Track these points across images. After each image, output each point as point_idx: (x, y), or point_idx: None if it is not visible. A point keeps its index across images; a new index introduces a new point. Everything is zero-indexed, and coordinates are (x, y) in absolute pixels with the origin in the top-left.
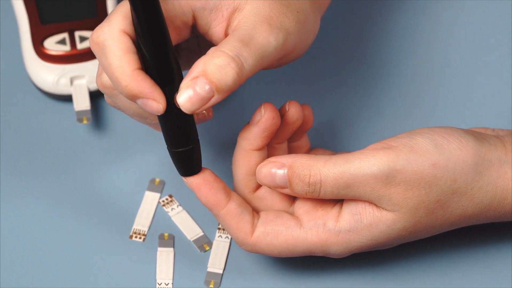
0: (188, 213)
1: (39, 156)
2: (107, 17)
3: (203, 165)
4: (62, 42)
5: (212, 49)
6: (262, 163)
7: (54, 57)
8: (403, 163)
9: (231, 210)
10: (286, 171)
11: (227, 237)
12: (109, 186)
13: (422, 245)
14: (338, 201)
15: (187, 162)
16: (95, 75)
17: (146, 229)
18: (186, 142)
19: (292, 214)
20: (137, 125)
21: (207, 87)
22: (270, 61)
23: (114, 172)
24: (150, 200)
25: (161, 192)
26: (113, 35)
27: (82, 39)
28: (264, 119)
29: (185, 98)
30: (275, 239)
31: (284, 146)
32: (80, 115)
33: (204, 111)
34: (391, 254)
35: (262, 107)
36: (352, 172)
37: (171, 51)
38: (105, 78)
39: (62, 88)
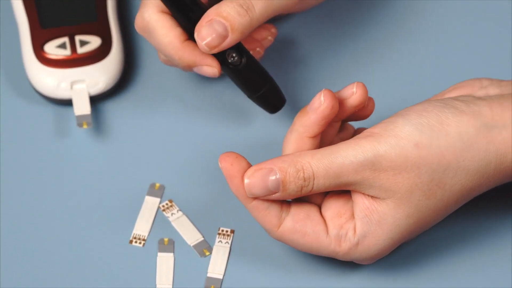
0: (188, 218)
1: (39, 161)
2: (142, 4)
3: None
4: (63, 46)
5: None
6: (247, 173)
7: (55, 61)
8: (386, 148)
9: (258, 205)
10: (278, 175)
11: (227, 242)
12: (109, 190)
13: (429, 243)
14: None
15: (270, 101)
16: (96, 79)
17: (146, 234)
18: (260, 85)
19: (321, 211)
20: (138, 129)
21: (222, 25)
22: (284, 4)
23: (114, 176)
24: (150, 205)
25: (161, 197)
26: (154, 17)
27: (83, 43)
28: (323, 107)
29: (204, 35)
30: (301, 239)
31: (338, 125)
32: (80, 119)
33: (258, 49)
34: (396, 253)
35: (322, 94)
36: (339, 161)
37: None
38: (163, 56)
39: (62, 92)
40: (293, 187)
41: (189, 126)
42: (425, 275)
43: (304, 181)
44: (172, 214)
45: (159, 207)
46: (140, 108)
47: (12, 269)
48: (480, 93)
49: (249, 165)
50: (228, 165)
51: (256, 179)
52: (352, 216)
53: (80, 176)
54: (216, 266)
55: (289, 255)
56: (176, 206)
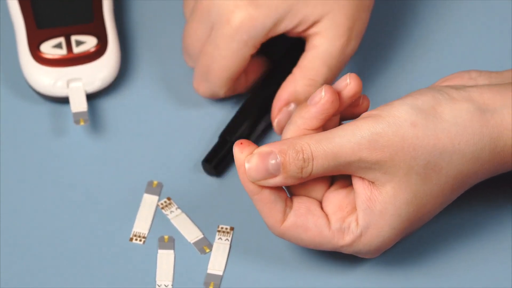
0: (187, 215)
1: (36, 159)
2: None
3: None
4: (58, 46)
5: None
6: (248, 158)
7: (51, 60)
8: (383, 126)
9: (264, 197)
10: (278, 157)
11: (227, 239)
12: (106, 188)
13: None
14: None
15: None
16: (92, 77)
17: (146, 231)
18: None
19: (322, 206)
20: (135, 127)
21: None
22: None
23: (111, 174)
24: (149, 202)
25: (159, 194)
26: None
27: (79, 43)
28: (323, 101)
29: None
30: (303, 234)
31: (337, 118)
32: (77, 116)
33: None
34: (397, 248)
35: (323, 89)
36: (336, 142)
37: None
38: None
39: (59, 90)
40: (293, 168)
41: (186, 123)
42: (427, 270)
43: (304, 161)
44: (171, 212)
45: (157, 205)
46: (137, 106)
47: (12, 267)
48: (469, 84)
49: None
50: (239, 153)
51: (256, 162)
52: (354, 209)
53: (78, 174)
54: (216, 263)
55: (288, 251)
56: (174, 203)
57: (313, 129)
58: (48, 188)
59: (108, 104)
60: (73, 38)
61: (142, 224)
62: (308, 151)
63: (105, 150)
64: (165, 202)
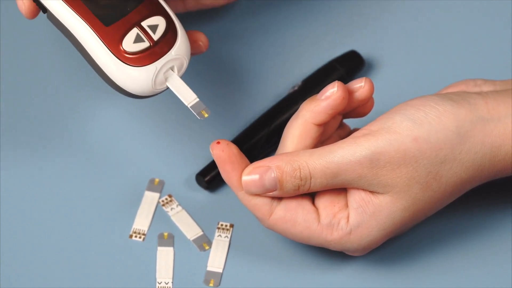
0: (188, 212)
1: (39, 155)
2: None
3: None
4: (139, 39)
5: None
6: (246, 171)
7: (139, 58)
8: (384, 145)
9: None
10: (275, 173)
11: (227, 236)
12: (109, 185)
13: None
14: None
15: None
16: (180, 60)
17: (146, 228)
18: None
19: (313, 202)
20: (137, 125)
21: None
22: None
23: (113, 172)
24: (150, 199)
25: (160, 192)
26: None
27: (153, 28)
28: (335, 96)
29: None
30: (292, 228)
31: (340, 118)
32: (196, 109)
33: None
34: (389, 246)
35: (336, 85)
36: (336, 161)
37: None
38: None
39: (159, 87)
40: (290, 186)
41: (188, 121)
42: (417, 269)
43: (301, 180)
44: (171, 208)
45: (158, 202)
46: (141, 103)
47: (12, 264)
48: (474, 90)
49: (239, 152)
50: (220, 152)
51: (253, 177)
52: (346, 205)
53: (80, 170)
54: (216, 260)
55: (287, 249)
56: (175, 201)
57: (318, 125)
58: (50, 186)
59: (110, 101)
60: (145, 24)
61: (142, 221)
62: (305, 170)
63: (108, 148)
64: (166, 199)
